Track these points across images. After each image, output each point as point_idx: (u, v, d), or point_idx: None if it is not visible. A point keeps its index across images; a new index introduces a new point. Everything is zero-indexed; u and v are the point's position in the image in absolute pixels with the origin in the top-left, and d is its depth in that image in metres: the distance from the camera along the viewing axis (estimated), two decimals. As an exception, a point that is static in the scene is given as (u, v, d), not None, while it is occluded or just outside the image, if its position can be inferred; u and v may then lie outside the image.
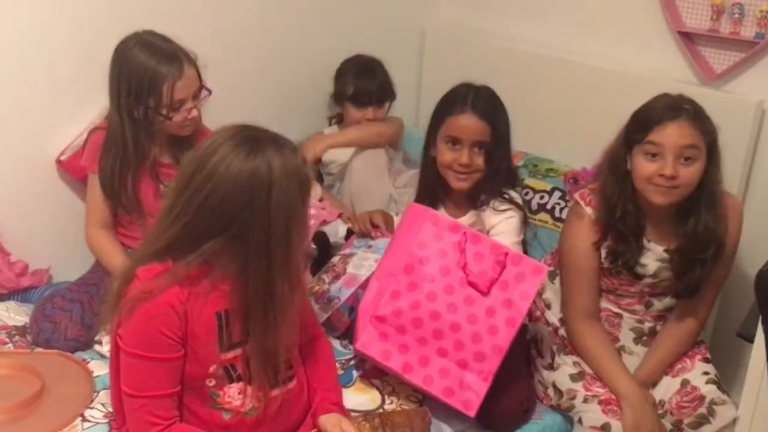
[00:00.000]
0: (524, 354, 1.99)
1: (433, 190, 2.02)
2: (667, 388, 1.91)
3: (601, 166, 1.93)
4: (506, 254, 1.71)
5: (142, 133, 1.96)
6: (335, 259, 2.07)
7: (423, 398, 1.78)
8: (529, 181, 2.42)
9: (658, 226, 1.90)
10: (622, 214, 1.86)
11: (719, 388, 1.86)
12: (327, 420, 1.56)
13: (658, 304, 1.96)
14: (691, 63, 2.27)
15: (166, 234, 1.42)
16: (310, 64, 2.55)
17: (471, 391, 1.68)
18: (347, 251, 2.07)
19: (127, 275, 1.45)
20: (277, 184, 1.38)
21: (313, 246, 2.15)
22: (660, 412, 1.88)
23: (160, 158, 2.03)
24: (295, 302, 1.47)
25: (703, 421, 1.83)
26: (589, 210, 1.92)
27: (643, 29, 2.36)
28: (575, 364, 1.95)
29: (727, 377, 2.06)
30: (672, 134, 1.77)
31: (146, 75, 1.90)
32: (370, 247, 2.03)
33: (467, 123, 1.90)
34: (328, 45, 2.55)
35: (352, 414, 1.70)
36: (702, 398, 1.84)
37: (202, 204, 1.38)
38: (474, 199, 1.98)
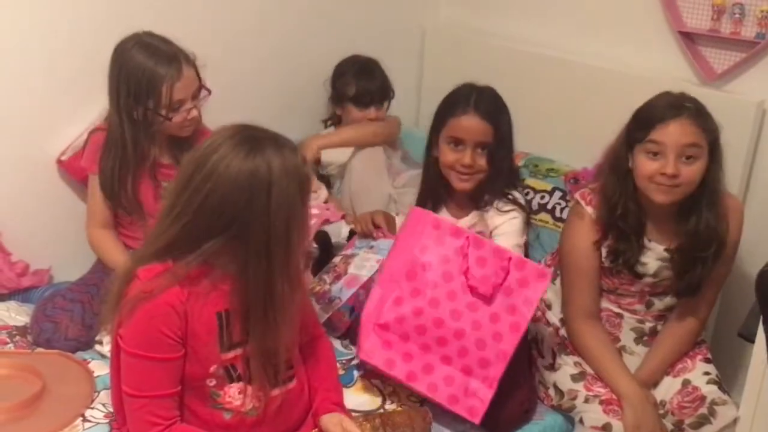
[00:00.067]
0: (525, 354, 1.99)
1: (435, 190, 2.02)
2: (668, 389, 1.91)
3: (602, 164, 1.92)
4: (509, 259, 1.69)
5: (141, 134, 1.96)
6: (337, 260, 2.07)
7: (424, 399, 1.78)
8: (530, 181, 2.42)
9: (659, 224, 1.89)
10: (623, 212, 1.86)
11: (720, 388, 1.86)
12: (329, 420, 1.56)
13: (659, 304, 1.96)
14: (691, 63, 2.27)
15: (166, 234, 1.42)
16: (310, 64, 2.55)
17: (476, 398, 1.67)
18: (349, 252, 2.07)
19: (128, 275, 1.45)
20: (276, 183, 1.38)
21: (315, 246, 2.15)
22: (661, 412, 1.88)
23: (159, 159, 2.03)
24: (295, 302, 1.47)
25: (704, 421, 1.83)
26: (589, 209, 1.91)
27: (644, 29, 2.36)
28: (576, 364, 1.95)
29: (728, 377, 2.06)
30: (674, 133, 1.77)
31: (145, 76, 1.90)
32: (371, 247, 2.03)
33: (470, 124, 1.90)
34: (327, 45, 2.55)
35: (353, 414, 1.69)
36: (703, 398, 1.84)
37: (201, 204, 1.38)
38: (477, 199, 1.97)
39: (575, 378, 1.93)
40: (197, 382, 1.48)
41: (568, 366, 1.95)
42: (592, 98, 2.39)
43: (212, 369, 1.47)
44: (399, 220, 2.14)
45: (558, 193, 2.39)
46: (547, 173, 2.45)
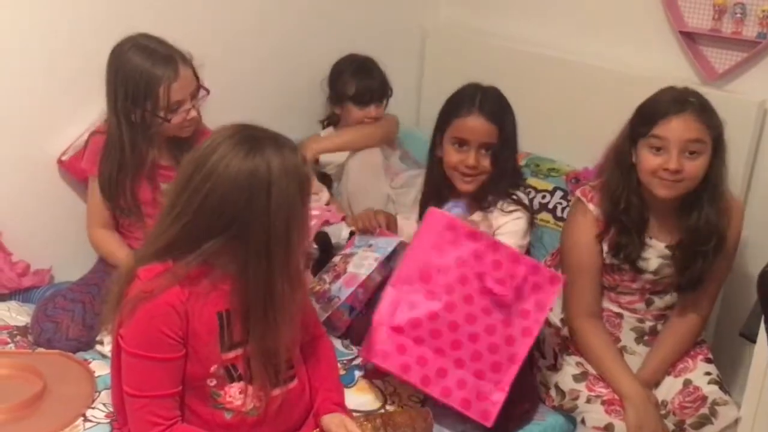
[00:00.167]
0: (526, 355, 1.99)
1: (439, 190, 2.02)
2: (669, 389, 1.91)
3: (606, 159, 1.92)
4: (525, 263, 1.69)
5: (139, 137, 1.95)
6: (336, 259, 2.07)
7: (425, 399, 1.78)
8: (531, 181, 2.42)
9: (660, 220, 1.89)
10: (626, 206, 1.86)
11: (721, 388, 1.86)
12: (330, 420, 1.56)
13: (659, 302, 1.96)
14: (692, 63, 2.27)
15: (167, 234, 1.42)
16: (310, 65, 2.54)
17: (488, 401, 1.67)
18: (348, 251, 2.07)
19: (128, 275, 1.45)
20: (276, 183, 1.38)
21: (315, 247, 2.15)
22: (663, 412, 1.87)
23: (159, 160, 2.03)
24: (295, 302, 1.47)
25: (705, 421, 1.82)
26: (591, 206, 1.91)
27: (645, 29, 2.36)
28: (578, 364, 1.95)
29: (729, 377, 2.06)
30: (677, 128, 1.77)
31: (142, 78, 1.90)
32: (370, 245, 2.03)
33: (474, 124, 1.90)
34: (328, 45, 2.55)
35: (354, 414, 1.69)
36: (704, 398, 1.84)
37: (201, 203, 1.38)
38: (480, 200, 1.97)
39: (577, 378, 1.93)
40: (198, 382, 1.48)
41: (569, 366, 1.95)
42: (594, 98, 2.39)
43: (213, 369, 1.47)
44: (400, 220, 2.14)
45: (559, 193, 2.39)
46: (548, 173, 2.45)
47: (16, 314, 2.03)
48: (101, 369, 1.80)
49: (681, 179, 1.78)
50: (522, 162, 2.44)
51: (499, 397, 1.67)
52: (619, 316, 1.97)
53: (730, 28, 2.20)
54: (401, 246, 1.97)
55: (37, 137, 2.12)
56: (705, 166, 1.80)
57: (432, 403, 1.74)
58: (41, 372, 1.75)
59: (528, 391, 1.84)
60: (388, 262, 1.98)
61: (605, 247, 1.90)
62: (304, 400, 1.61)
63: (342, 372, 1.82)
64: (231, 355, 1.48)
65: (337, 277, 2.00)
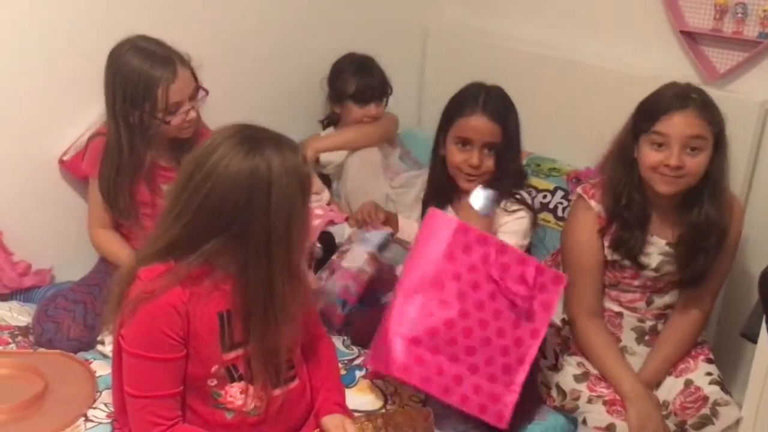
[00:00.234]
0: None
1: (442, 189, 2.01)
2: (670, 389, 1.90)
3: (608, 155, 1.92)
4: (532, 264, 1.69)
5: (138, 139, 1.95)
6: (334, 256, 2.08)
7: (425, 399, 1.78)
8: (532, 181, 2.41)
9: (662, 216, 1.89)
10: (628, 202, 1.86)
11: (722, 388, 1.86)
12: (330, 421, 1.56)
13: (659, 301, 1.96)
14: (694, 62, 2.27)
15: (167, 234, 1.42)
16: (311, 65, 2.54)
17: (501, 404, 1.68)
18: (345, 247, 2.07)
19: (129, 276, 1.45)
20: (276, 183, 1.38)
21: (319, 246, 2.15)
22: (664, 413, 1.87)
23: (159, 161, 2.03)
24: (296, 302, 1.47)
25: (706, 421, 1.82)
26: (593, 203, 1.91)
27: (646, 29, 2.36)
28: (579, 364, 1.95)
29: (730, 378, 2.06)
30: (678, 124, 1.77)
31: (140, 80, 1.90)
32: (364, 240, 2.03)
33: (478, 124, 1.90)
34: (328, 45, 2.55)
35: (355, 414, 1.69)
36: (705, 399, 1.84)
37: (201, 203, 1.38)
38: None
39: (578, 378, 1.92)
40: (198, 382, 1.48)
41: (571, 366, 1.95)
42: (595, 98, 2.39)
43: (214, 369, 1.47)
44: (400, 219, 2.14)
45: (560, 193, 2.39)
46: (549, 173, 2.45)
47: (17, 314, 2.04)
48: (102, 369, 1.80)
49: (682, 175, 1.79)
50: (523, 161, 2.44)
51: (511, 398, 1.68)
52: (620, 315, 1.97)
53: (731, 28, 2.20)
54: (392, 238, 1.97)
55: (37, 137, 2.12)
56: (706, 162, 1.80)
57: (433, 403, 1.74)
58: (42, 372, 1.75)
59: (529, 391, 1.84)
60: (381, 253, 1.98)
61: (606, 243, 1.90)
62: (305, 400, 1.61)
63: (343, 372, 1.82)
64: (232, 355, 1.48)
65: (333, 273, 2.00)
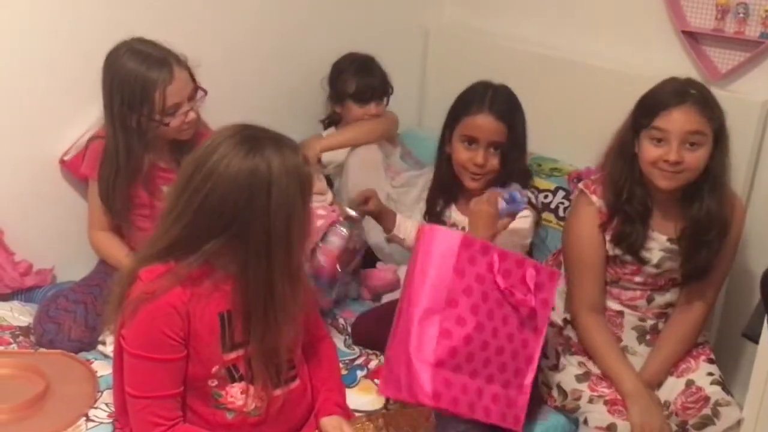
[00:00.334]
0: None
1: (447, 187, 2.01)
2: (671, 389, 1.90)
3: (609, 150, 1.92)
4: (530, 265, 1.70)
5: (136, 143, 1.95)
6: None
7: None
8: (533, 180, 2.41)
9: (663, 211, 1.89)
10: (629, 197, 1.86)
11: (724, 389, 1.86)
12: (328, 422, 1.56)
13: (660, 300, 1.95)
14: (695, 62, 2.26)
15: (167, 235, 1.42)
16: (311, 64, 2.54)
17: (516, 407, 1.69)
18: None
19: (130, 276, 1.45)
20: (276, 183, 1.38)
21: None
22: (665, 413, 1.87)
23: (159, 163, 2.03)
24: (296, 302, 1.47)
25: (707, 422, 1.82)
26: (594, 198, 1.92)
27: (648, 29, 2.35)
28: (581, 364, 1.95)
29: (731, 378, 2.06)
30: (677, 120, 1.77)
31: (137, 83, 1.90)
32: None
33: (484, 123, 1.89)
34: (328, 45, 2.55)
35: (356, 414, 1.69)
36: (707, 399, 1.84)
37: (201, 203, 1.38)
38: None
39: (579, 378, 1.92)
40: (199, 382, 1.48)
41: (572, 366, 1.95)
42: (596, 98, 2.39)
43: (214, 369, 1.47)
44: (399, 219, 2.14)
45: (561, 193, 2.39)
46: (550, 173, 2.45)
47: (18, 314, 2.04)
48: (104, 369, 1.80)
49: (681, 170, 1.79)
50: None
51: (524, 400, 1.69)
52: (620, 314, 1.97)
53: (733, 28, 2.19)
54: (361, 216, 2.03)
55: (38, 137, 2.12)
56: (706, 157, 1.80)
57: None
58: (44, 372, 1.75)
59: (532, 391, 1.83)
60: (350, 229, 2.01)
61: (608, 238, 1.90)
62: (306, 400, 1.61)
63: (344, 372, 1.82)
64: (232, 355, 1.48)
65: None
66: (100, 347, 1.92)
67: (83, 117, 2.12)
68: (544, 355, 2.01)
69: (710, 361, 1.94)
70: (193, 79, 1.99)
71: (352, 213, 2.05)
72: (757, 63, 2.18)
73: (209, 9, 2.34)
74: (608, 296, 1.97)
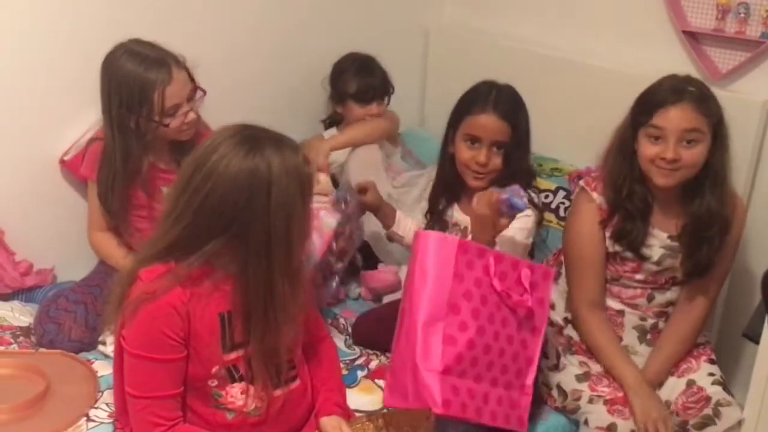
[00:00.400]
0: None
1: (450, 186, 2.01)
2: (672, 389, 1.90)
3: (609, 147, 1.92)
4: (525, 266, 1.70)
5: (134, 145, 1.95)
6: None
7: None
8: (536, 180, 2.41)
9: (663, 209, 1.89)
10: (628, 194, 1.86)
11: (725, 389, 1.86)
12: (327, 422, 1.56)
13: (660, 298, 1.95)
14: (696, 62, 2.26)
15: (167, 236, 1.42)
16: (311, 64, 2.54)
17: (520, 409, 1.69)
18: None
19: (130, 276, 1.46)
20: (276, 183, 1.38)
21: (359, 255, 2.20)
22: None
23: (158, 164, 2.03)
24: (296, 302, 1.47)
25: (708, 422, 1.82)
26: (595, 195, 1.92)
27: (648, 29, 2.35)
28: (581, 364, 1.95)
29: (731, 378, 2.05)
30: (674, 118, 1.77)
31: (136, 84, 1.89)
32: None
33: (487, 122, 1.89)
34: (329, 45, 2.55)
35: (356, 414, 1.69)
36: (708, 399, 1.83)
37: (201, 204, 1.38)
38: None
39: (580, 378, 1.92)
40: (199, 382, 1.48)
41: (573, 366, 1.95)
42: (597, 98, 2.39)
43: (214, 370, 1.47)
44: (398, 214, 2.14)
45: (562, 193, 2.39)
46: (551, 173, 2.45)
47: (18, 314, 2.04)
48: (104, 369, 1.81)
49: (678, 168, 1.79)
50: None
51: (526, 401, 1.70)
52: (621, 314, 1.97)
53: (734, 28, 2.19)
54: (354, 195, 2.04)
55: (39, 137, 2.12)
56: (704, 153, 1.80)
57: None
58: (44, 372, 1.75)
59: (533, 391, 1.84)
60: (341, 206, 2.02)
61: (608, 234, 1.90)
62: (306, 400, 1.61)
63: (344, 372, 1.83)
64: (232, 355, 1.48)
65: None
66: (100, 347, 1.92)
67: (83, 117, 2.12)
68: (544, 355, 2.01)
69: (711, 361, 1.94)
70: (192, 80, 1.98)
71: (343, 193, 2.06)
72: (758, 63, 2.18)
73: (209, 9, 2.34)
74: (609, 295, 1.97)
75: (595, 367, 1.93)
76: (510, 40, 2.63)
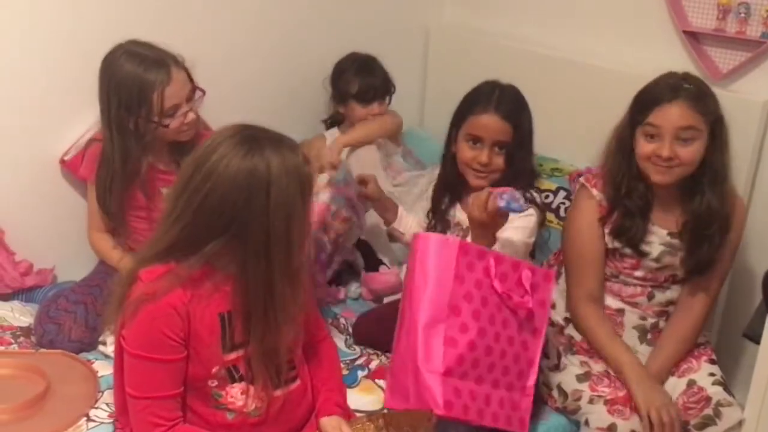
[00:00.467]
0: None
1: (452, 185, 2.02)
2: (673, 389, 1.90)
3: (608, 145, 1.92)
4: (525, 267, 1.70)
5: (134, 146, 1.95)
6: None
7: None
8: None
9: (663, 206, 1.90)
10: (628, 191, 1.86)
11: (725, 389, 1.86)
12: (327, 422, 1.56)
13: (660, 297, 1.95)
14: (696, 62, 2.26)
15: (167, 236, 1.42)
16: (312, 64, 2.54)
17: (521, 410, 1.69)
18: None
19: (130, 277, 1.46)
20: (275, 183, 1.38)
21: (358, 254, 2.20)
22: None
23: (157, 165, 2.03)
24: (296, 302, 1.47)
25: (708, 422, 1.82)
26: (595, 191, 1.92)
27: (649, 29, 2.35)
28: (582, 363, 1.95)
29: (732, 379, 2.05)
30: (670, 116, 1.77)
31: (135, 85, 1.89)
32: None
33: (489, 122, 1.89)
34: (329, 45, 2.55)
35: (357, 414, 1.69)
36: (708, 399, 1.83)
37: (201, 204, 1.38)
38: None
39: (580, 378, 1.92)
40: (199, 383, 1.48)
41: (573, 366, 1.95)
42: (597, 98, 2.39)
43: (214, 370, 1.47)
44: (400, 209, 2.14)
45: (562, 193, 2.38)
46: (551, 173, 2.45)
47: (19, 314, 2.04)
48: (104, 369, 1.81)
49: (675, 165, 1.79)
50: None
51: (528, 402, 1.70)
52: (621, 313, 1.97)
53: (735, 28, 2.19)
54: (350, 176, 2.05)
55: (39, 137, 2.12)
56: (700, 151, 1.80)
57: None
58: (45, 372, 1.75)
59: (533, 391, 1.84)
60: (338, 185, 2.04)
61: (607, 231, 1.90)
62: (306, 400, 1.61)
63: (345, 372, 1.82)
64: (232, 356, 1.48)
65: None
66: (100, 347, 1.92)
67: (83, 117, 2.12)
68: (544, 355, 2.01)
69: (712, 361, 1.94)
70: (191, 80, 1.98)
71: (342, 174, 2.06)
72: (759, 63, 2.18)
73: (209, 9, 2.34)
74: (609, 293, 1.97)
75: (596, 367, 1.93)
76: (510, 40, 2.63)
